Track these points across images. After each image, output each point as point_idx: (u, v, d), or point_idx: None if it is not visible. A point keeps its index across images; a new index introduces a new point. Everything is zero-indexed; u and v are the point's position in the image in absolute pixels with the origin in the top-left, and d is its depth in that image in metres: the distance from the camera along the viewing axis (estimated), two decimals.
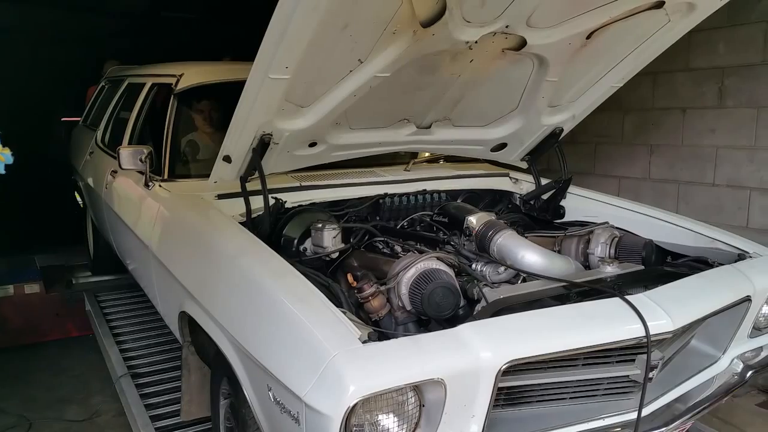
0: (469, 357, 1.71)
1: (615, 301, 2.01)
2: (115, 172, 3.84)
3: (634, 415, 2.00)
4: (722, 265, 2.54)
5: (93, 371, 4.17)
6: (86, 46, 7.10)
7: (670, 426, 2.06)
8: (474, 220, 2.75)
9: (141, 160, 3.08)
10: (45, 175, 6.70)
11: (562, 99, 3.09)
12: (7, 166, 2.70)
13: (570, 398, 2.04)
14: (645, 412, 2.04)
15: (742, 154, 4.06)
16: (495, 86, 2.84)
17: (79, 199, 5.52)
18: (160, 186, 3.12)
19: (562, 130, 3.32)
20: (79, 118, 6.01)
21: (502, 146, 3.41)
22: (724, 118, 4.16)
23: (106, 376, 3.90)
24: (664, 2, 2.49)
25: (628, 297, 2.00)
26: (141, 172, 3.18)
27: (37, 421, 3.61)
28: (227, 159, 2.63)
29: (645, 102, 4.62)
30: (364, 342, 1.69)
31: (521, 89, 2.93)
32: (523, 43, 2.51)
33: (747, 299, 2.33)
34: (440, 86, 2.72)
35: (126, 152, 3.10)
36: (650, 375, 1.97)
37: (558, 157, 3.43)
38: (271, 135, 2.53)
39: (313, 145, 2.80)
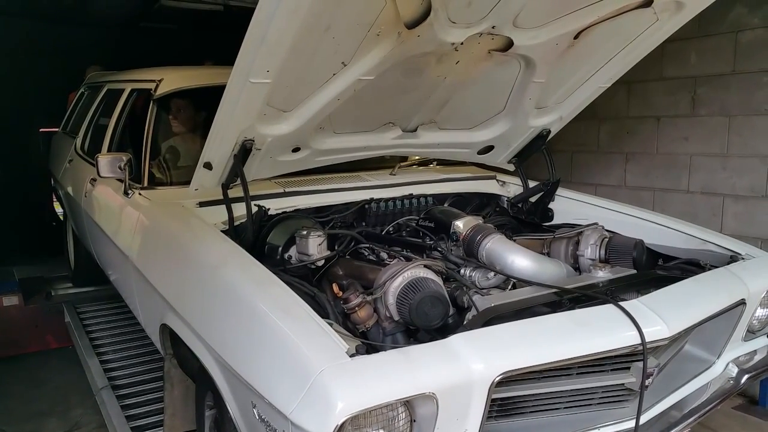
0: (461, 369, 1.66)
1: (609, 308, 1.96)
2: (94, 180, 3.76)
3: (630, 424, 1.96)
4: (715, 267, 2.51)
5: (72, 383, 4.08)
6: (64, 57, 6.97)
7: None
8: (461, 225, 2.69)
9: (120, 168, 3.01)
10: (23, 187, 6.59)
11: (550, 100, 3.05)
12: None
13: (564, 408, 2.00)
14: (641, 420, 1.99)
15: (715, 162, 4.11)
16: (481, 88, 2.80)
17: (60, 210, 5.43)
18: (139, 194, 3.05)
19: (549, 131, 3.29)
20: (57, 129, 5.92)
21: (489, 149, 3.37)
22: (697, 126, 4.21)
23: (86, 389, 3.82)
24: (652, 1, 2.45)
25: (622, 303, 1.96)
26: (120, 180, 3.10)
27: None
28: (208, 166, 2.56)
29: (620, 111, 4.68)
30: (351, 355, 1.63)
31: (508, 91, 2.89)
32: (509, 44, 2.46)
33: (741, 302, 2.29)
34: (426, 89, 2.67)
35: (104, 160, 3.02)
36: (646, 383, 1.92)
37: (545, 160, 3.40)
38: (253, 140, 2.46)
39: (296, 150, 2.74)
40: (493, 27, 2.31)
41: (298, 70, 2.15)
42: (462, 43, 2.33)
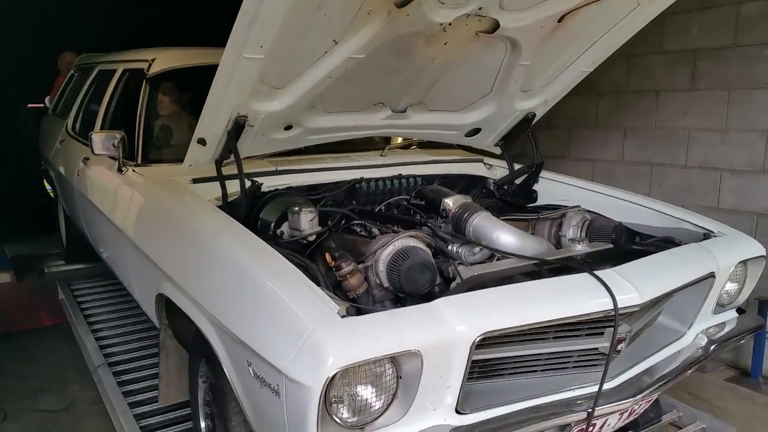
0: (445, 330, 1.76)
1: (584, 277, 2.07)
2: (87, 159, 3.81)
3: (606, 387, 2.06)
4: (688, 243, 2.61)
5: (68, 360, 4.12)
6: (49, 34, 6.99)
7: (637, 397, 2.12)
8: (450, 203, 2.77)
9: (114, 146, 3.07)
10: (13, 164, 6.60)
11: (535, 84, 3.13)
12: None
13: (541, 371, 2.10)
14: (613, 384, 2.11)
15: (714, 136, 4.11)
16: (469, 70, 2.87)
17: (49, 188, 5.45)
18: (133, 171, 3.10)
19: (534, 115, 3.37)
20: (43, 105, 5.93)
21: (476, 131, 3.44)
22: (696, 100, 4.19)
23: (82, 365, 3.87)
24: None
25: (596, 272, 2.06)
26: (114, 158, 3.16)
27: (13, 411, 3.55)
28: (202, 141, 2.61)
29: (619, 85, 4.64)
30: (342, 316, 1.72)
31: (495, 73, 2.96)
32: (496, 26, 2.53)
33: (711, 275, 2.41)
34: (415, 69, 2.74)
35: (98, 137, 3.08)
36: (618, 348, 2.03)
37: (530, 142, 3.48)
38: (246, 117, 2.51)
39: (288, 128, 2.80)
40: (480, 8, 2.37)
41: (290, 47, 2.22)
42: (450, 24, 2.40)
